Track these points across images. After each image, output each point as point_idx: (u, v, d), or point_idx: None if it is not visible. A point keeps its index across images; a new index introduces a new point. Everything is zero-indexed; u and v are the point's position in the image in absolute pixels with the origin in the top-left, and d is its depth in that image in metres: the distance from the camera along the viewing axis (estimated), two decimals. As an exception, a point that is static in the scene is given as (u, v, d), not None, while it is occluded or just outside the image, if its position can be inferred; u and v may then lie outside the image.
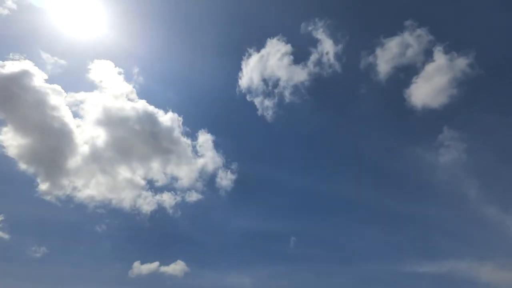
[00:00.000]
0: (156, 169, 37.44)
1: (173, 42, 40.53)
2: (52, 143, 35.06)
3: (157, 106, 39.20)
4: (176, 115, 38.93)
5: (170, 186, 37.06)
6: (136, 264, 34.10)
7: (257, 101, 37.51)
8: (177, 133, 38.51)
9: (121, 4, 39.32)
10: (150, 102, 39.08)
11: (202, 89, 40.38)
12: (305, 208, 42.66)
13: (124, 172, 37.26)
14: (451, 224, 38.19)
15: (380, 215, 41.04)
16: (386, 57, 33.72)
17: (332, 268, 38.35)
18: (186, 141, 37.77)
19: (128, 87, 39.36)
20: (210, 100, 40.61)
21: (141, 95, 38.90)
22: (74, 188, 35.10)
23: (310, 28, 35.90)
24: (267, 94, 37.26)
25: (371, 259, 38.50)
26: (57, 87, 37.06)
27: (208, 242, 39.35)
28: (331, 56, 35.93)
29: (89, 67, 39.52)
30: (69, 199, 34.72)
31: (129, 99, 39.06)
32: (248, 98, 37.88)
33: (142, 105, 39.48)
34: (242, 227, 40.67)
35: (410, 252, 38.57)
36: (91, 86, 38.96)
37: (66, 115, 36.54)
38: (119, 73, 40.31)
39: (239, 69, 38.26)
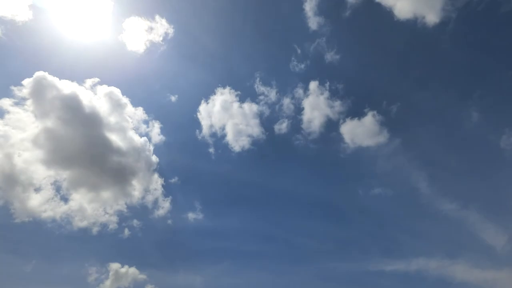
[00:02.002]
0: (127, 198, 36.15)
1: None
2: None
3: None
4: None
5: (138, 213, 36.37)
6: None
7: (210, 150, 40.42)
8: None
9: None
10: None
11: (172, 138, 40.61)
12: (258, 205, 42.11)
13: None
14: (411, 221, 39.01)
15: (335, 212, 41.43)
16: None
17: (288, 266, 37.94)
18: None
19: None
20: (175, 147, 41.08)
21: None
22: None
23: (254, 80, 39.54)
24: (217, 145, 39.93)
25: (331, 257, 38.38)
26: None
27: (156, 242, 38.09)
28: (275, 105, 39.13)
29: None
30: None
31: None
32: (203, 148, 40.54)
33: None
34: (191, 226, 39.17)
35: (373, 250, 38.58)
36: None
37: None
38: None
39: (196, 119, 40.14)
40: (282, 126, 39.00)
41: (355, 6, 35.72)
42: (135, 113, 38.27)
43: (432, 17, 34.13)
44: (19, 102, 33.38)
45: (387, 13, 35.09)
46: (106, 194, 35.53)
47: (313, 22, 37.18)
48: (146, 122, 38.30)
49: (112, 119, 36.49)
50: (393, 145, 39.78)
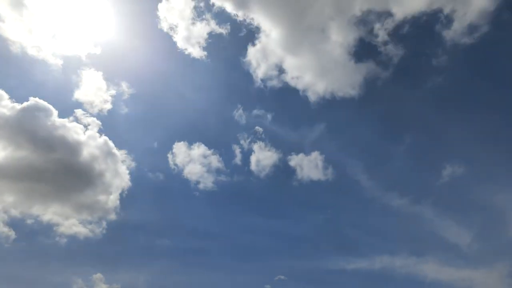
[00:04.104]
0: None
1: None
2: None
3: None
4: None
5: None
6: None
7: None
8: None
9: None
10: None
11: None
12: (200, 202, 41.89)
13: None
14: (362, 217, 39.08)
15: (281, 210, 41.78)
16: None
17: (237, 264, 37.97)
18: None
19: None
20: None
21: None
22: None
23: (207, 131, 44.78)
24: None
25: (284, 255, 38.11)
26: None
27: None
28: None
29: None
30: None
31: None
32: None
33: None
34: (128, 222, 39.30)
35: (329, 248, 38.49)
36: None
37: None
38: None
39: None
40: (236, 166, 42.44)
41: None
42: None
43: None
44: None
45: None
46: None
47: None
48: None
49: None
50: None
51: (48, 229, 36.00)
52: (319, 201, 41.27)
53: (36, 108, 35.86)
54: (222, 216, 41.37)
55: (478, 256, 33.81)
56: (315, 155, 40.36)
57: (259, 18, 39.89)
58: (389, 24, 37.88)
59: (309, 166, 40.22)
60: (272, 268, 36.16)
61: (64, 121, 37.53)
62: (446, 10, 36.57)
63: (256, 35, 40.86)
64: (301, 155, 40.66)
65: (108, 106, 40.64)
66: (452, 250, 34.47)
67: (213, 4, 40.14)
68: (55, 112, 36.73)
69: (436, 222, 35.93)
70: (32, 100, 35.98)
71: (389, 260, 35.28)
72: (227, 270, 37.18)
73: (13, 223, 34.73)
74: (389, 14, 37.56)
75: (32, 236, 35.97)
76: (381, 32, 38.35)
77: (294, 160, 40.57)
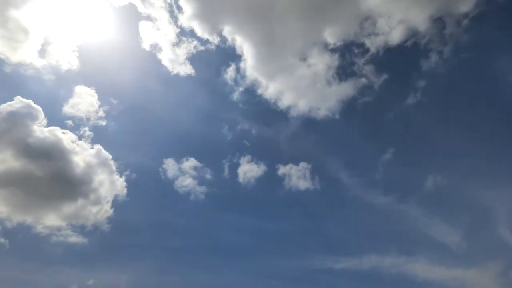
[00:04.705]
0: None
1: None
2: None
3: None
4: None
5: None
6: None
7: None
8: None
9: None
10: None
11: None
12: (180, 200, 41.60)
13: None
14: (347, 216, 39.06)
15: (266, 209, 41.88)
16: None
17: (223, 263, 37.93)
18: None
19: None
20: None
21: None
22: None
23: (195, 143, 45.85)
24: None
25: (271, 254, 38.03)
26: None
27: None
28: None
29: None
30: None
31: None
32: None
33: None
34: (121, 231, 38.70)
35: (315, 247, 37.91)
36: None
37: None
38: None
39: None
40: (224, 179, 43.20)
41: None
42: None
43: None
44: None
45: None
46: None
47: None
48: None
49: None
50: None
51: (41, 238, 36.11)
52: (307, 205, 41.29)
53: (27, 113, 36.13)
54: (214, 221, 41.64)
55: (469, 255, 33.77)
56: (303, 164, 41.15)
57: (235, 39, 41.74)
58: (364, 54, 39.53)
59: (296, 175, 41.06)
60: (261, 269, 36.36)
61: (57, 131, 38.18)
62: (422, 43, 38.15)
63: (234, 55, 43.07)
64: (288, 166, 41.48)
65: (101, 121, 41.39)
66: (442, 249, 34.52)
67: (186, 27, 41.88)
68: (45, 121, 37.29)
69: (423, 221, 36.08)
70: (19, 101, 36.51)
71: (378, 259, 35.30)
72: (223, 272, 37.32)
73: (5, 233, 34.88)
74: (362, 45, 39.29)
75: (25, 245, 36.08)
76: (357, 60, 39.97)
77: (281, 170, 41.47)
